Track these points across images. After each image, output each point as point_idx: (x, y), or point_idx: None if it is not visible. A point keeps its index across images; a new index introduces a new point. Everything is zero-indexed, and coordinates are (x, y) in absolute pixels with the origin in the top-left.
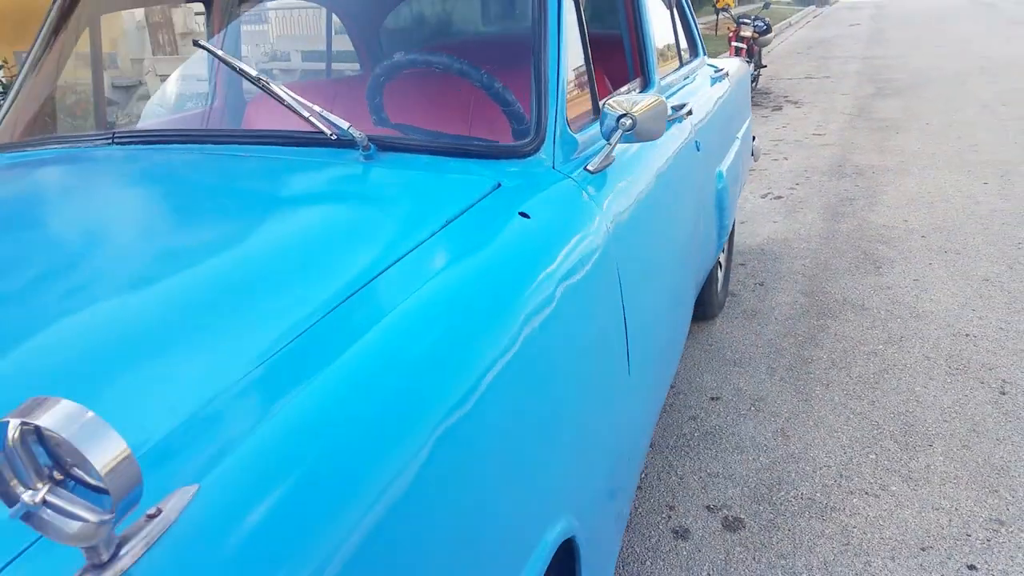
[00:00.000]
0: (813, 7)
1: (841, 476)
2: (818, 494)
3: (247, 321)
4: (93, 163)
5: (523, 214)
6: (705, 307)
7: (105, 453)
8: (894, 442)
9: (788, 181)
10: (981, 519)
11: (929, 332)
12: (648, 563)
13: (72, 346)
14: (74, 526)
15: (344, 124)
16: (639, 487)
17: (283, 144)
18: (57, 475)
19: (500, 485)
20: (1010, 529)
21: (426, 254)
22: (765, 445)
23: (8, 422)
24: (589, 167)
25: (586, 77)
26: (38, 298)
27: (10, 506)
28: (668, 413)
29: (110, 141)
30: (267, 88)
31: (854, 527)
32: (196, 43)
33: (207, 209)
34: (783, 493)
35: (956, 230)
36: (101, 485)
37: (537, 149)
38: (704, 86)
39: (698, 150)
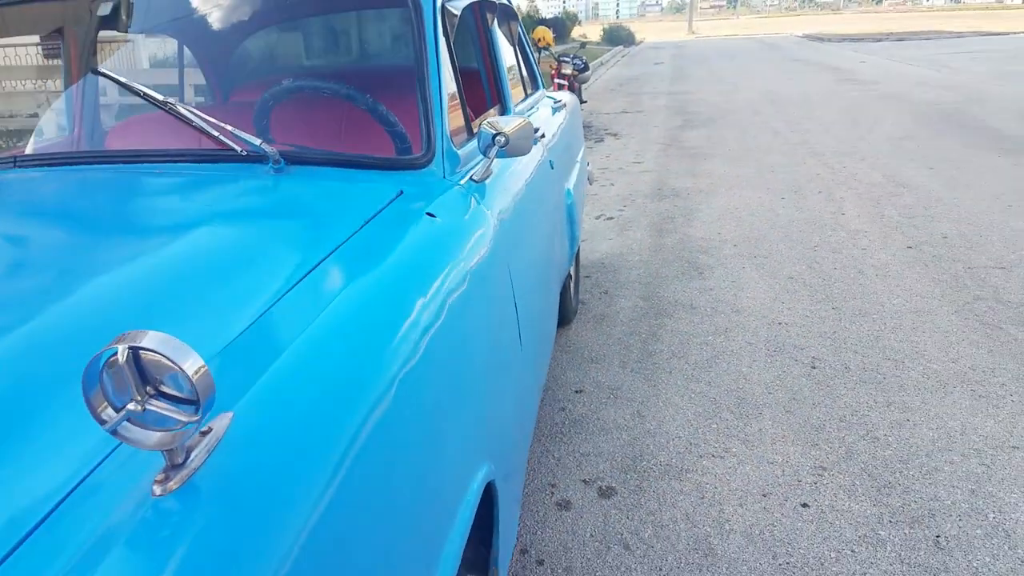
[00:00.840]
0: (621, 47)
1: (691, 444)
2: (674, 460)
3: (204, 305)
4: (7, 185)
5: (430, 214)
6: (562, 314)
7: (192, 367)
8: (730, 413)
9: (617, 204)
10: (807, 468)
11: (749, 323)
12: (539, 532)
13: None
14: (156, 435)
15: (256, 140)
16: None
17: (192, 161)
18: (150, 390)
19: (437, 436)
20: (831, 473)
21: (356, 246)
22: (625, 425)
23: (118, 347)
24: (473, 177)
25: (458, 101)
26: None
27: (110, 418)
28: (541, 407)
29: (12, 165)
30: (174, 110)
31: (706, 483)
32: (94, 71)
33: (135, 221)
34: (645, 463)
35: (762, 239)
36: (190, 395)
37: (430, 162)
38: (548, 114)
39: (552, 168)
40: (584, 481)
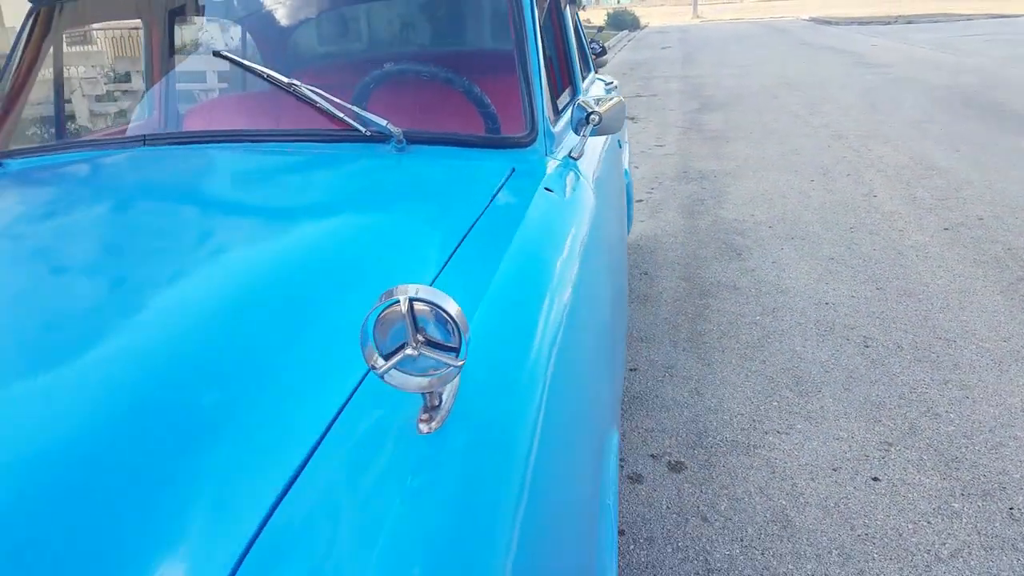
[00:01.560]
0: (627, 31)
1: (754, 421)
2: (739, 436)
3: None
4: (139, 162)
5: (548, 189)
6: None
7: (458, 314)
8: (789, 391)
9: (644, 186)
10: (873, 443)
11: (795, 303)
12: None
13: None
14: (418, 380)
15: (382, 121)
16: None
17: (316, 140)
18: (419, 337)
19: (590, 396)
20: (897, 448)
21: (492, 220)
22: (685, 403)
23: (399, 298)
24: (572, 155)
25: (547, 83)
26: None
27: (381, 365)
28: None
29: (142, 143)
30: (299, 91)
31: (775, 459)
32: (216, 53)
33: (282, 199)
34: (711, 439)
35: (796, 220)
36: (452, 342)
37: (534, 140)
38: (603, 94)
39: (620, 147)
40: (652, 456)
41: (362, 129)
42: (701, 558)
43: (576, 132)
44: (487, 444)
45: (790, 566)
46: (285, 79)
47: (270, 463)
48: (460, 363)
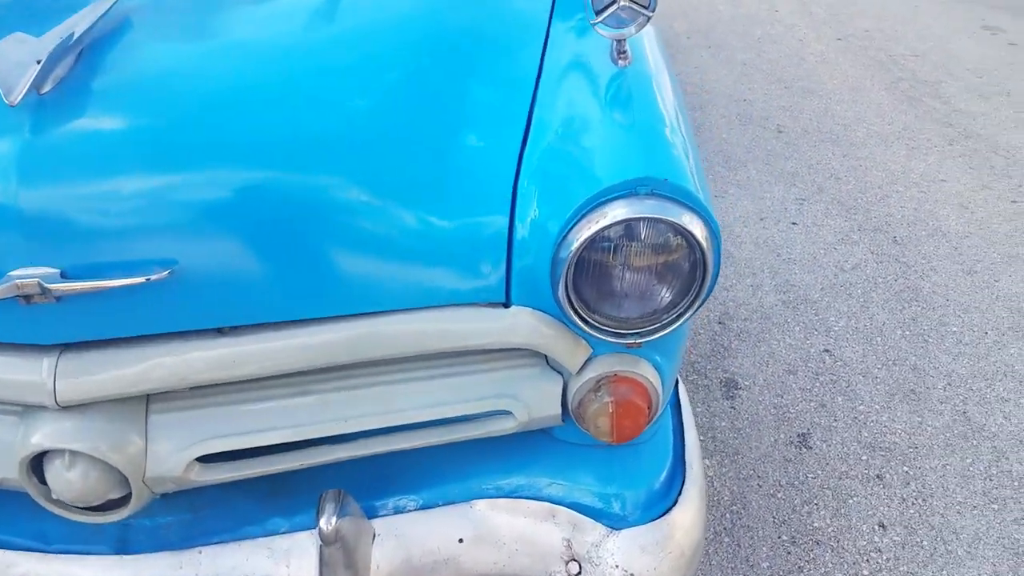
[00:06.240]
0: None
1: None
2: None
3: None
4: None
5: None
6: None
7: None
8: (722, 167)
9: None
10: (791, 200)
11: (718, 101)
12: None
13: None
14: (618, 30)
15: None
16: None
17: None
18: None
19: None
20: (809, 203)
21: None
22: None
23: None
24: None
25: None
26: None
27: (597, 15)
28: None
29: None
30: None
31: (716, 214)
32: None
33: None
34: None
35: (710, 31)
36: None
37: None
38: None
39: None
40: None
41: None
42: None
43: None
44: (658, 73)
45: (733, 281)
46: None
47: (516, 79)
48: (651, 14)
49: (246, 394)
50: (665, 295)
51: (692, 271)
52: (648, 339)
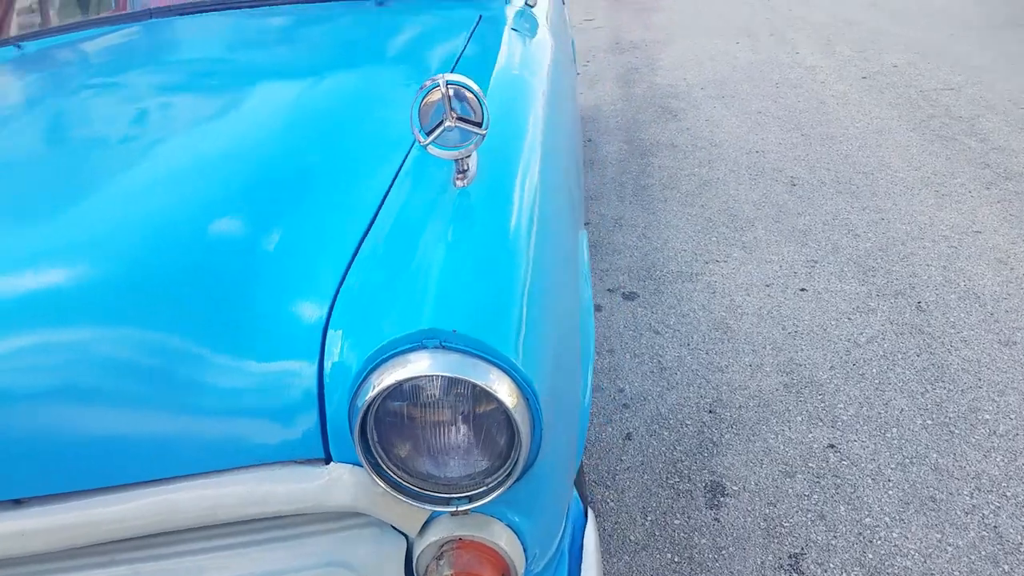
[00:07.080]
0: None
1: (696, 254)
2: (684, 268)
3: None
4: (150, 34)
5: (514, 29)
6: None
7: (478, 91)
8: (726, 227)
9: (580, 60)
10: (801, 262)
11: (729, 154)
12: None
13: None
14: (453, 151)
15: None
16: None
17: (299, 1)
18: (453, 113)
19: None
20: (821, 265)
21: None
22: (634, 246)
23: (439, 81)
24: (528, 2)
25: None
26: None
27: (425, 139)
28: None
29: (149, 16)
30: None
31: (716, 282)
32: None
33: (285, 58)
34: (658, 272)
35: (725, 81)
36: (476, 117)
37: None
38: None
39: (563, 3)
40: (608, 290)
41: None
42: (655, 360)
43: None
44: (504, 197)
45: (730, 359)
46: None
47: (357, 204)
48: (483, 133)
49: (47, 564)
50: (480, 460)
51: (504, 434)
52: (476, 504)
